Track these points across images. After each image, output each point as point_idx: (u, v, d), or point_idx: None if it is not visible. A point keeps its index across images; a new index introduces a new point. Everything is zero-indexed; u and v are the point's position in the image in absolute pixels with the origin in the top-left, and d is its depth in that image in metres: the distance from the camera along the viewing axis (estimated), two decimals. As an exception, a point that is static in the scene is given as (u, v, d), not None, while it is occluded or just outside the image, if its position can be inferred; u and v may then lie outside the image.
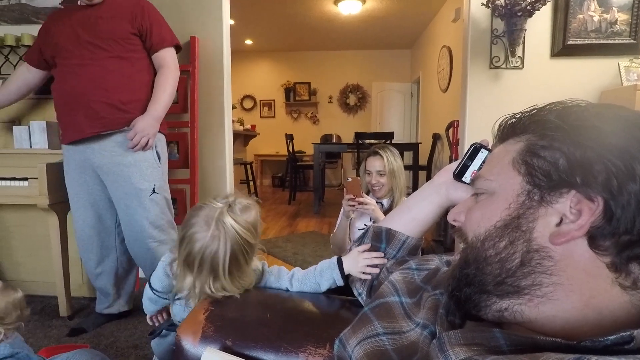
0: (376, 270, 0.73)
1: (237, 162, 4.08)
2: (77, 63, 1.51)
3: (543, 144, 0.39)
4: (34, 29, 2.26)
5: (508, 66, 2.25)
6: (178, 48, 1.72)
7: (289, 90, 7.02)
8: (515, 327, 0.41)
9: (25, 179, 1.70)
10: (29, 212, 1.93)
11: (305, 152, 6.43)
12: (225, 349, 0.61)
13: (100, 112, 1.51)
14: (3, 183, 1.73)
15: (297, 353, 0.62)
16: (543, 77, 2.25)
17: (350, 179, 1.49)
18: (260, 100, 7.16)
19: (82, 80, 1.50)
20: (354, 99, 6.97)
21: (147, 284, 0.96)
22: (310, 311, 0.72)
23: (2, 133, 1.99)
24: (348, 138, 6.19)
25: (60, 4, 2.15)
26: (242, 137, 4.80)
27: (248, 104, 7.17)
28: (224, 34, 2.27)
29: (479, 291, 0.42)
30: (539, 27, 2.21)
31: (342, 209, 1.58)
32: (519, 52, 2.23)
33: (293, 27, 5.60)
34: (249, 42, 6.37)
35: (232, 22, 2.47)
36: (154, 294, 0.95)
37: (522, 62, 2.25)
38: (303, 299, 0.77)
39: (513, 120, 0.45)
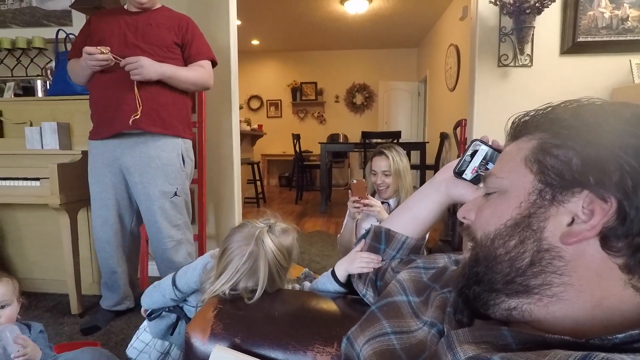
0: (369, 270, 0.74)
1: (244, 162, 4.09)
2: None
3: (556, 143, 0.39)
4: (44, 32, 2.30)
5: (517, 64, 2.23)
6: (214, 64, 1.79)
7: (296, 90, 7.04)
8: (523, 327, 0.41)
9: (37, 179, 1.72)
10: (40, 211, 1.96)
11: (312, 152, 6.44)
12: (234, 346, 0.61)
13: (139, 110, 1.55)
14: (15, 183, 1.75)
15: (305, 351, 0.63)
16: (552, 75, 2.22)
17: (355, 181, 1.49)
18: (267, 100, 7.18)
19: (122, 79, 1.53)
20: (360, 98, 6.95)
21: (170, 282, 1.02)
22: (317, 309, 0.73)
23: (15, 134, 2.02)
24: (355, 137, 6.19)
25: (71, 6, 2.18)
26: (249, 137, 4.82)
27: (255, 104, 7.20)
28: (231, 35, 2.28)
29: (488, 289, 0.42)
30: (548, 24, 2.19)
31: (348, 210, 1.58)
32: (527, 49, 2.20)
33: (299, 27, 5.60)
34: (255, 42, 6.39)
35: (238, 22, 2.49)
36: (175, 293, 1.01)
37: (531, 60, 2.22)
38: (310, 298, 0.77)
39: (526, 118, 0.45)
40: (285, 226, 0.86)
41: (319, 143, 4.67)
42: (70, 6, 2.22)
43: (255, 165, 4.58)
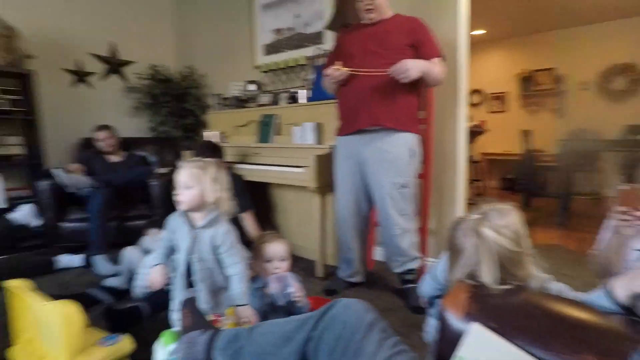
0: None
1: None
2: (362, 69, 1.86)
3: None
4: (305, 51, 2.91)
5: None
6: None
7: (526, 80, 6.15)
8: None
9: (300, 166, 2.22)
10: (300, 192, 2.52)
11: (543, 151, 5.48)
12: (489, 329, 0.62)
13: (376, 109, 1.81)
14: (287, 169, 2.32)
15: (572, 358, 0.57)
16: None
17: (625, 188, 1.20)
18: (489, 94, 6.60)
19: (364, 82, 1.82)
20: (622, 82, 5.37)
21: (429, 275, 1.13)
22: (587, 319, 0.64)
23: (286, 132, 2.67)
24: (609, 133, 4.86)
25: (325, 28, 2.68)
26: (469, 134, 4.59)
27: (475, 98, 6.74)
28: (459, 27, 2.23)
29: None
30: None
31: (609, 223, 1.28)
32: None
33: (533, 5, 4.83)
34: (478, 32, 5.95)
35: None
36: (434, 284, 1.10)
37: None
38: (575, 306, 0.68)
39: None
40: (501, 208, 0.84)
41: (557, 141, 3.93)
42: (324, 28, 2.73)
43: (476, 165, 4.31)
